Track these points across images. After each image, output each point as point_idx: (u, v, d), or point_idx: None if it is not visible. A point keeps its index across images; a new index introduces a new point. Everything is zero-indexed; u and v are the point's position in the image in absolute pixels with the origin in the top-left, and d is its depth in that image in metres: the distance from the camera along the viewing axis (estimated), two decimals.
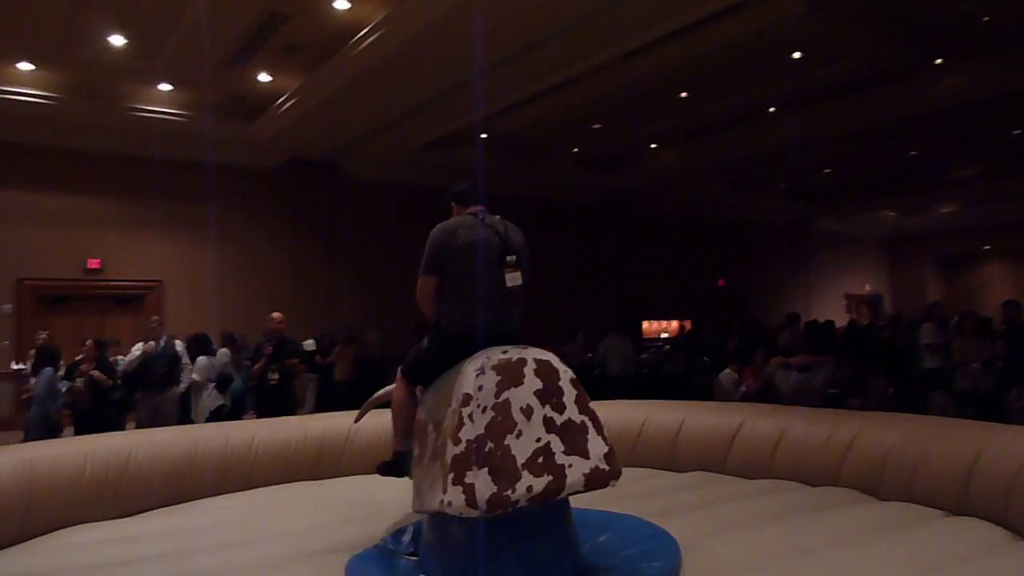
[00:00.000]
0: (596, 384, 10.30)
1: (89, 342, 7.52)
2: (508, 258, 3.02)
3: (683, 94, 11.67)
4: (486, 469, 2.54)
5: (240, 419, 7.70)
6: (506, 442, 2.59)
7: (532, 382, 2.72)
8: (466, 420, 2.63)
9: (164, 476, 4.29)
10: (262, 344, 7.26)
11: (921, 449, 3.82)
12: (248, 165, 12.75)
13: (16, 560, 3.28)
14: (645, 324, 17.06)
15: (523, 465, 2.56)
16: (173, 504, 4.29)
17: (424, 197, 13.80)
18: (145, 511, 4.15)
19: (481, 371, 2.71)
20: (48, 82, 10.53)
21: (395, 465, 3.27)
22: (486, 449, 2.57)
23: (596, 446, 2.70)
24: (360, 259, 13.86)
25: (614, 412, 5.27)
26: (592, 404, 2.83)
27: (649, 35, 8.63)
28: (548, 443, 2.63)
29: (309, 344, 7.67)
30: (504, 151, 14.23)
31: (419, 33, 8.21)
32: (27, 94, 10.49)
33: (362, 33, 8.71)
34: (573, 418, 2.72)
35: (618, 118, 12.82)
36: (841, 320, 14.69)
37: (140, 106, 11.34)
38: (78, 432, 6.96)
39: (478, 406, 2.64)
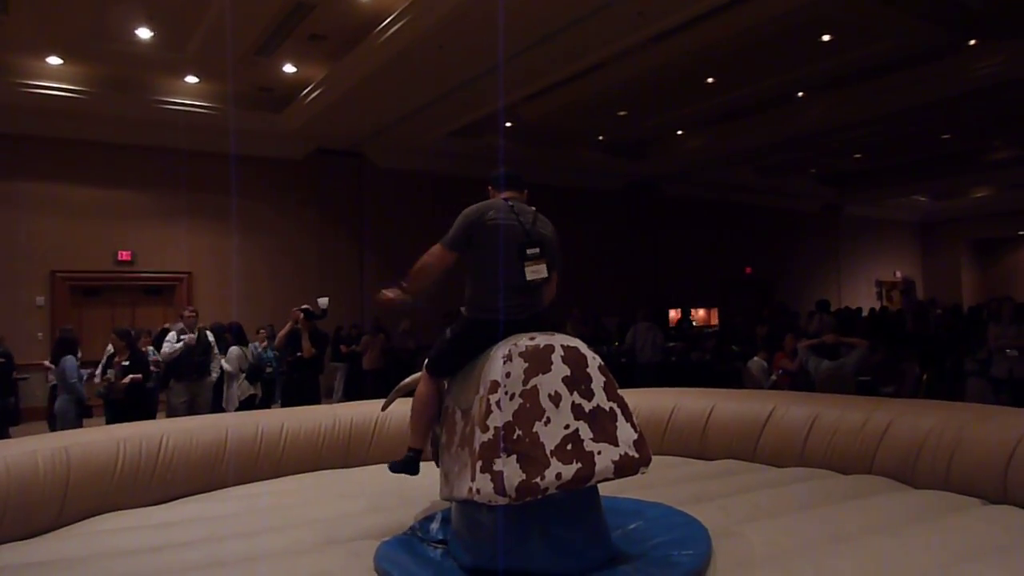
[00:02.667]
0: (625, 372, 10.30)
1: (120, 342, 7.60)
2: (529, 251, 3.00)
3: (710, 79, 11.53)
4: (515, 456, 2.53)
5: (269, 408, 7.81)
6: (534, 429, 2.57)
7: (560, 369, 2.70)
8: (494, 407, 2.61)
9: (196, 464, 4.33)
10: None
11: (958, 436, 3.74)
12: (275, 156, 12.84)
13: (52, 546, 3.33)
14: (672, 313, 16.94)
15: (552, 452, 2.55)
16: (204, 491, 4.34)
17: (449, 185, 13.88)
18: (177, 498, 4.20)
19: (508, 358, 2.70)
20: (77, 76, 10.66)
21: (407, 463, 3.24)
22: (514, 436, 2.56)
23: (625, 433, 2.68)
24: (387, 248, 13.89)
25: (643, 399, 5.24)
26: (621, 391, 2.80)
27: (675, 19, 8.52)
28: (577, 430, 2.61)
29: (323, 302, 7.73)
30: (529, 138, 14.17)
31: (443, 20, 8.17)
32: (57, 88, 10.64)
33: (386, 22, 8.69)
34: (602, 405, 2.70)
35: (644, 104, 12.70)
36: (873, 307, 14.50)
37: (167, 98, 11.45)
38: (109, 421, 7.07)
39: (506, 393, 2.63)
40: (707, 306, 17.70)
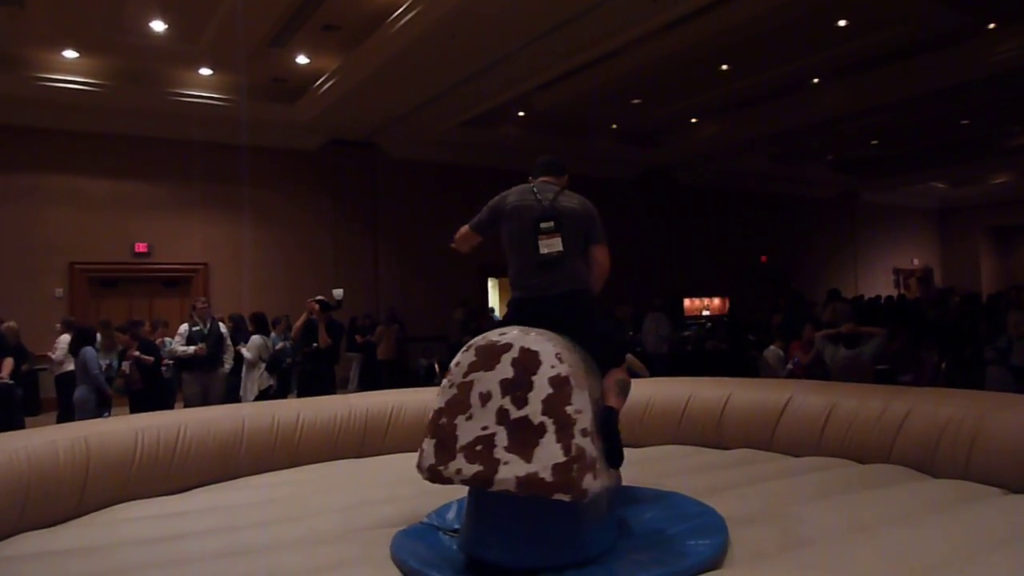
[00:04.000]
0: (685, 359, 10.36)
1: (123, 337, 7.67)
2: (543, 224, 3.02)
3: (724, 66, 11.44)
4: (435, 441, 2.67)
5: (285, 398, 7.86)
6: (455, 421, 2.66)
7: (504, 370, 2.67)
8: (440, 391, 2.77)
9: (213, 454, 4.36)
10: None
11: (978, 425, 3.70)
12: (290, 146, 12.87)
13: (72, 534, 3.37)
14: (687, 302, 16.87)
15: (460, 448, 2.61)
16: (221, 481, 4.37)
17: (463, 175, 13.86)
18: (194, 488, 4.23)
19: (467, 348, 2.79)
20: (92, 69, 10.72)
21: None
22: (440, 422, 2.69)
23: (547, 453, 2.50)
24: (401, 238, 13.94)
25: (658, 389, 5.23)
26: (576, 407, 2.59)
27: (689, 6, 8.46)
28: (493, 434, 2.59)
29: (338, 293, 7.78)
30: (543, 128, 14.12)
31: (455, 10, 8.15)
32: (73, 81, 10.71)
33: (399, 11, 8.68)
34: (531, 417, 2.57)
35: (658, 92, 12.61)
36: (890, 295, 14.37)
37: (182, 90, 11.49)
38: (133, 411, 7.15)
39: (449, 381, 2.75)
40: (723, 295, 17.61)
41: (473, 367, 2.72)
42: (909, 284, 22.08)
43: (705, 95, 12.89)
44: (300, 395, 7.76)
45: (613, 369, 3.04)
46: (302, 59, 10.75)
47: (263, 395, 7.98)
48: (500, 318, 3.37)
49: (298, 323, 7.76)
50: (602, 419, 2.80)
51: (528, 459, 2.50)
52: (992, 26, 10.05)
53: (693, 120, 14.80)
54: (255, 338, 8.19)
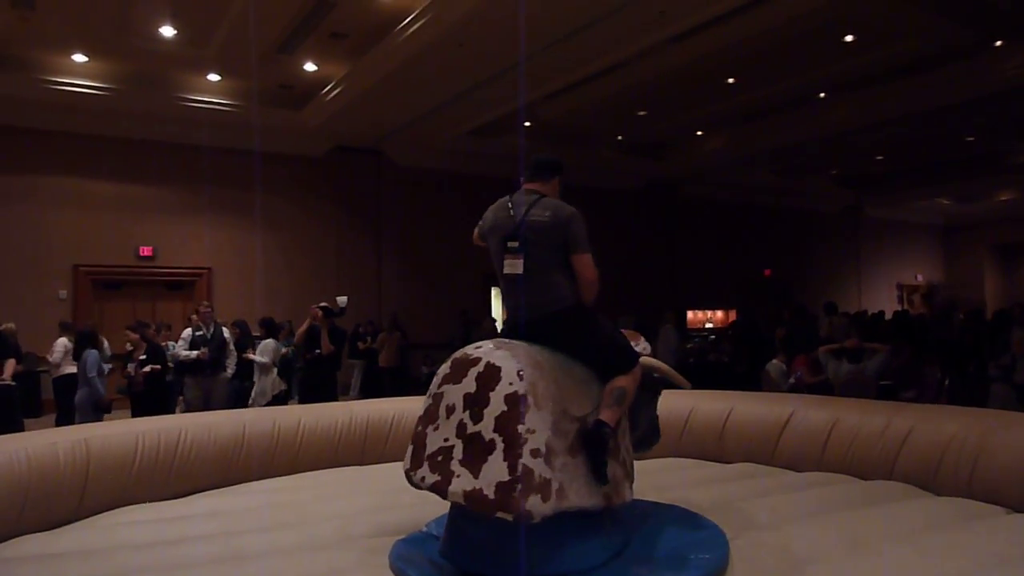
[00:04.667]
0: (689, 372, 10.33)
1: (133, 335, 7.67)
2: (510, 243, 2.92)
3: (730, 79, 11.46)
4: (412, 447, 2.77)
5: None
6: (426, 430, 2.74)
7: (468, 384, 2.69)
8: (424, 399, 2.85)
9: (213, 458, 4.35)
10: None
11: (981, 443, 3.69)
12: (295, 153, 12.92)
13: (71, 538, 3.37)
14: (690, 314, 16.86)
15: (426, 457, 2.68)
16: (222, 486, 4.35)
17: (468, 184, 13.88)
18: (194, 492, 4.22)
19: (450, 359, 2.86)
20: (101, 73, 10.78)
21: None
22: (417, 429, 2.78)
23: (494, 470, 2.49)
24: (405, 246, 13.96)
25: (660, 401, 5.20)
26: (528, 427, 2.57)
27: (695, 19, 8.48)
28: (452, 446, 2.62)
29: (343, 300, 7.78)
30: (548, 138, 14.14)
31: (463, 19, 8.18)
32: (81, 84, 10.76)
33: (407, 20, 8.72)
34: (484, 433, 2.57)
35: (664, 104, 12.64)
36: (893, 311, 14.33)
37: (190, 95, 11.54)
38: (135, 415, 7.15)
39: (429, 392, 2.84)
40: (725, 308, 17.59)
41: (446, 379, 2.78)
42: (913, 300, 22.03)
43: (711, 108, 12.91)
44: (302, 401, 7.77)
45: (618, 377, 2.89)
46: (310, 66, 10.80)
47: (276, 400, 7.94)
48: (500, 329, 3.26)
49: (301, 329, 7.77)
50: (586, 433, 2.72)
51: (476, 475, 2.52)
52: (999, 43, 10.07)
53: (699, 133, 14.82)
54: (268, 342, 8.15)
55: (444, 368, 2.84)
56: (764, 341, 11.33)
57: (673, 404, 5.21)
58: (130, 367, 7.43)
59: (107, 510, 3.82)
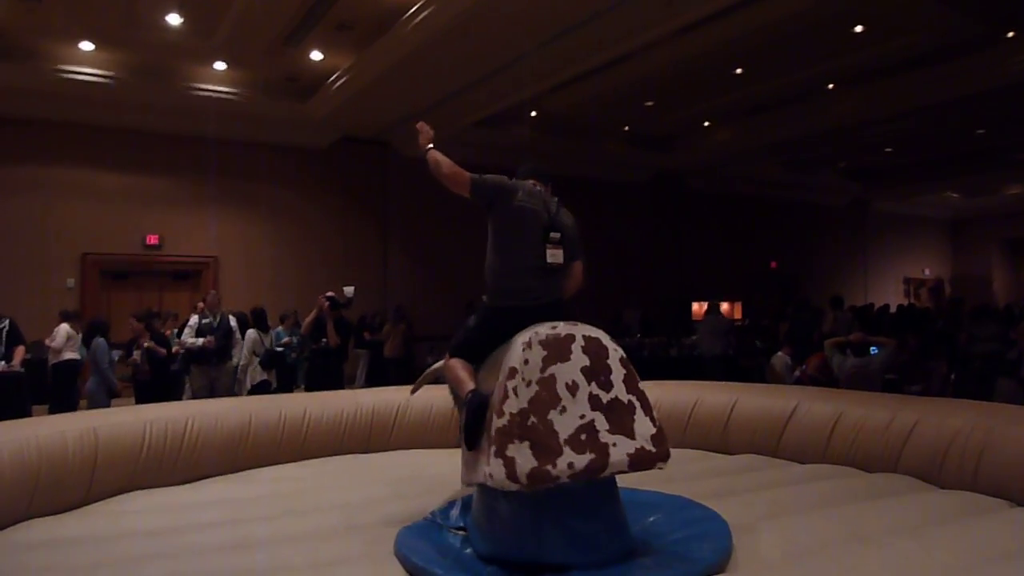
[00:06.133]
0: (694, 366, 10.40)
1: (137, 324, 7.71)
2: (552, 234, 3.05)
3: (738, 70, 11.40)
4: (527, 443, 2.53)
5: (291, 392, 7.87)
6: (549, 417, 2.58)
7: (579, 359, 2.70)
8: (510, 393, 2.61)
9: (220, 446, 4.39)
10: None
11: (986, 437, 3.68)
12: (301, 143, 12.91)
13: (80, 523, 3.40)
14: (695, 306, 16.83)
15: (565, 441, 2.55)
16: (228, 473, 4.39)
17: None
18: (201, 479, 4.25)
19: (528, 345, 2.70)
20: (108, 62, 10.78)
21: (475, 405, 2.84)
22: (528, 423, 2.56)
23: (643, 427, 2.66)
24: (411, 236, 13.96)
25: (665, 392, 5.22)
26: (643, 384, 2.79)
27: (703, 9, 8.42)
28: (592, 420, 2.61)
29: (349, 291, 7.80)
30: (554, 130, 14.12)
31: (470, 9, 8.15)
32: (88, 74, 10.76)
33: (413, 10, 8.69)
34: (620, 397, 2.69)
35: (671, 96, 12.59)
36: (898, 305, 14.29)
37: (196, 85, 11.53)
38: (139, 402, 7.19)
39: (523, 380, 2.63)
40: (731, 300, 17.56)
41: (548, 361, 2.68)
42: (920, 294, 21.96)
43: (718, 100, 12.85)
44: (307, 391, 7.79)
45: None
46: (316, 56, 10.78)
47: (256, 390, 7.96)
48: None
49: (308, 319, 7.78)
50: None
51: (632, 436, 2.63)
52: (1010, 35, 9.99)
53: (706, 124, 14.76)
54: (249, 332, 8.20)
55: (534, 353, 2.68)
56: (768, 334, 11.35)
57: (678, 396, 5.22)
58: (135, 355, 7.47)
59: (115, 496, 3.86)
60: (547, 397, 2.61)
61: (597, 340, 2.78)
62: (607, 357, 2.75)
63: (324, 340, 7.62)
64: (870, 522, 3.10)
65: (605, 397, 2.66)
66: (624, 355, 2.80)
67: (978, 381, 7.45)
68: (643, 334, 11.62)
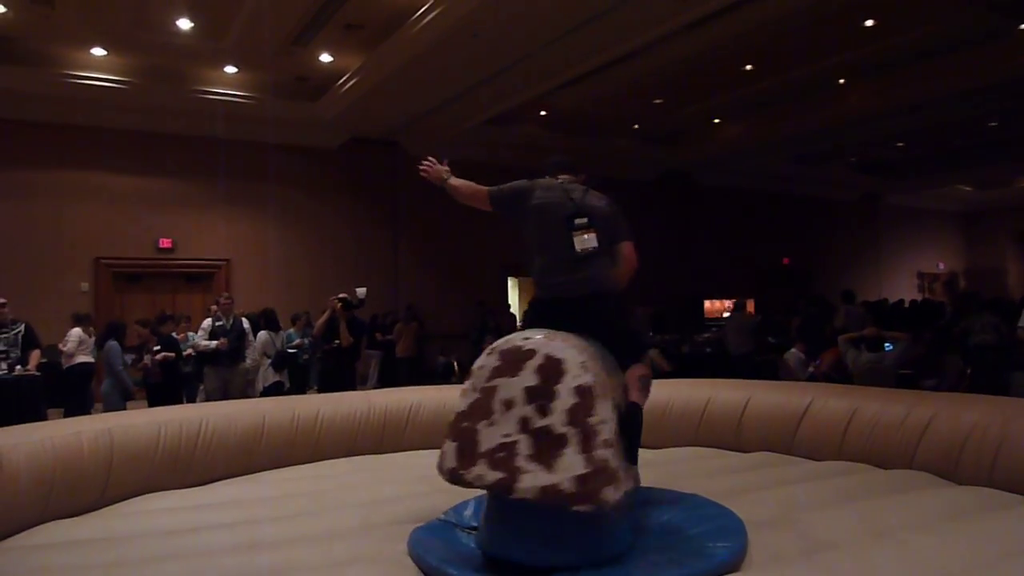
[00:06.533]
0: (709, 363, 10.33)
1: (143, 331, 7.76)
2: (578, 220, 3.02)
3: (748, 66, 11.36)
4: (456, 444, 2.66)
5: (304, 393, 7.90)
6: (477, 427, 2.64)
7: (528, 378, 2.64)
8: (462, 393, 2.73)
9: (233, 448, 4.40)
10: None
11: (1003, 432, 3.65)
12: (312, 144, 12.96)
13: (96, 525, 3.42)
14: (707, 304, 16.78)
15: (482, 454, 2.59)
16: (242, 475, 4.40)
17: (484, 174, 13.75)
18: (215, 481, 4.27)
19: (491, 351, 2.75)
20: (120, 67, 10.86)
21: None
22: (462, 425, 2.67)
23: (570, 463, 2.49)
24: (421, 236, 13.98)
25: (677, 390, 5.20)
26: (600, 418, 2.57)
27: (712, 5, 8.39)
28: (515, 442, 2.56)
29: (362, 292, 7.82)
30: (563, 127, 14.11)
31: (478, 8, 8.15)
32: (100, 79, 10.85)
33: (422, 10, 8.70)
34: (554, 427, 2.55)
35: (680, 92, 12.55)
36: (912, 300, 14.18)
37: (207, 88, 11.61)
38: (151, 404, 7.24)
39: (472, 384, 2.72)
40: (743, 297, 17.48)
41: (497, 372, 2.68)
42: (934, 288, 21.80)
43: (728, 95, 12.81)
44: (320, 392, 7.82)
45: (635, 365, 3.04)
46: (325, 57, 10.82)
47: (269, 391, 8.00)
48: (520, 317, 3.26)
49: (321, 320, 7.80)
50: (626, 415, 2.79)
51: (550, 469, 2.50)
52: (1022, 27, 9.89)
53: (716, 120, 14.71)
54: (260, 334, 8.26)
55: (490, 361, 2.72)
56: (780, 330, 11.29)
57: (691, 394, 5.20)
58: (146, 358, 7.53)
59: (130, 498, 3.88)
60: (483, 407, 2.65)
61: (559, 363, 2.63)
62: (558, 383, 2.60)
63: (337, 341, 7.64)
64: (886, 518, 3.07)
65: (537, 422, 2.57)
66: (587, 384, 2.60)
67: (990, 372, 7.39)
68: (655, 332, 11.59)
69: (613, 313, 3.11)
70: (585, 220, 3.02)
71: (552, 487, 2.47)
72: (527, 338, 2.77)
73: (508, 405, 2.62)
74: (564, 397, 2.58)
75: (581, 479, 2.46)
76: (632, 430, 2.79)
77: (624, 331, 3.15)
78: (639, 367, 3.04)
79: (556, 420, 2.55)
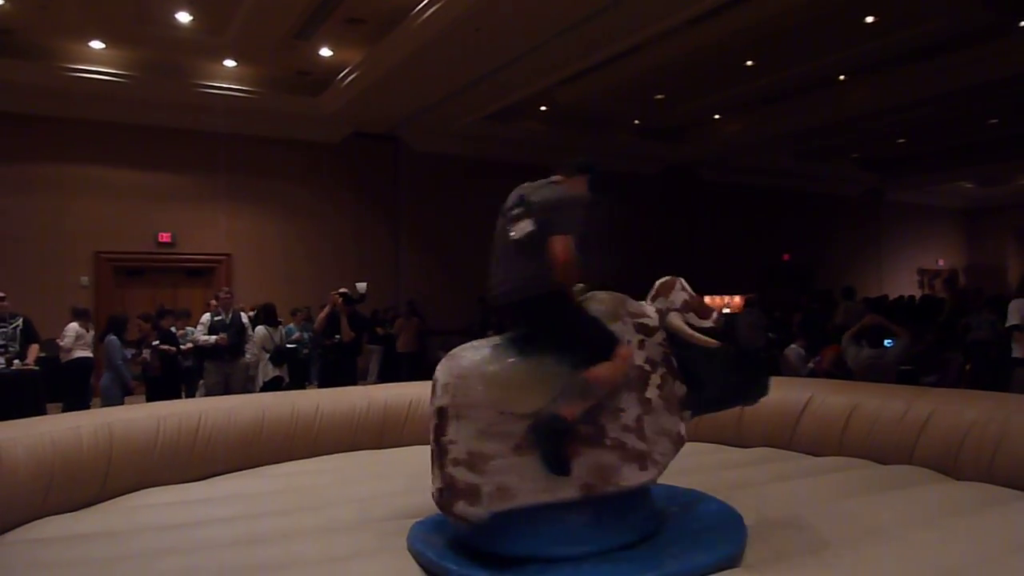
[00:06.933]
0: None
1: (145, 325, 7.76)
2: (515, 210, 2.77)
3: (749, 62, 11.33)
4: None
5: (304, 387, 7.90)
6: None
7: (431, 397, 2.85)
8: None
9: (233, 442, 4.40)
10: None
11: (1002, 428, 3.65)
12: (313, 139, 12.94)
13: (95, 519, 3.42)
14: (708, 300, 16.77)
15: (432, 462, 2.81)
16: (241, 469, 4.41)
17: (485, 169, 13.85)
18: (214, 475, 4.27)
19: (440, 368, 2.90)
20: (119, 60, 10.83)
21: None
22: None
23: (436, 476, 2.75)
24: (423, 231, 13.97)
25: None
26: (449, 438, 2.68)
27: (714, 0, 8.37)
28: (432, 451, 2.80)
29: (362, 287, 7.82)
30: (565, 122, 14.08)
31: (480, 3, 8.13)
32: (99, 72, 10.82)
33: (423, 4, 8.68)
34: (432, 443, 2.79)
35: (681, 87, 12.53)
36: (913, 296, 14.17)
37: (207, 82, 11.58)
38: (149, 399, 7.24)
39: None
40: (744, 293, 17.48)
41: (432, 392, 2.89)
42: (935, 285, 21.79)
43: (729, 91, 12.78)
44: (321, 387, 7.82)
45: (594, 367, 2.68)
46: (326, 52, 10.79)
47: (269, 386, 8.00)
48: None
49: (322, 315, 7.79)
50: (532, 427, 2.63)
51: (433, 480, 2.78)
52: (1023, 24, 9.87)
53: (717, 116, 14.68)
54: (259, 329, 8.25)
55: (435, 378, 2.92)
56: (781, 325, 11.27)
57: None
58: (145, 353, 7.53)
59: (129, 492, 3.88)
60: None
61: (435, 383, 2.82)
62: (431, 402, 2.82)
63: (338, 336, 7.64)
64: (885, 514, 3.07)
65: (431, 438, 2.79)
66: (443, 406, 2.72)
67: (990, 368, 7.38)
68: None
69: (545, 321, 2.81)
70: (520, 210, 2.75)
71: (434, 494, 2.74)
72: (452, 355, 2.89)
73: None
74: (433, 417, 2.80)
75: (438, 492, 2.72)
76: (542, 441, 2.60)
77: (569, 338, 2.79)
78: (592, 369, 2.67)
79: (432, 438, 2.79)
